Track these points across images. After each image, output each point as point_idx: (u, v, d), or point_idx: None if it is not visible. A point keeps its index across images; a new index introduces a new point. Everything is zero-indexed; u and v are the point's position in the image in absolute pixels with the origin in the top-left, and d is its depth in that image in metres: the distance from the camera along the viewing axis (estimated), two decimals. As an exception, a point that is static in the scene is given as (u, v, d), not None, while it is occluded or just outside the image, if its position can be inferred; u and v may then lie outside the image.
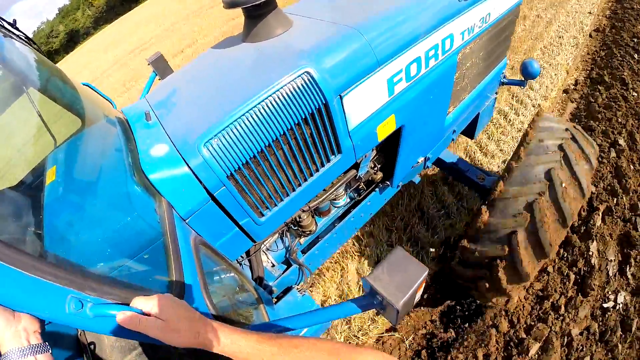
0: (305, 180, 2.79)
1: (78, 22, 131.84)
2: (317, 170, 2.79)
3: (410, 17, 2.78)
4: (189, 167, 2.18)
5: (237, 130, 2.22)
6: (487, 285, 3.81)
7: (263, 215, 2.72)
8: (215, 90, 2.54)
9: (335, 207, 3.76)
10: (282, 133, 2.38)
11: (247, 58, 2.70)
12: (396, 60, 2.73)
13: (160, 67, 3.10)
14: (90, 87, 2.82)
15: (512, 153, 5.94)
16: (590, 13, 11.02)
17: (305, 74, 2.35)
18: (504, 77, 4.80)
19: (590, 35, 9.93)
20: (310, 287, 5.23)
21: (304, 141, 2.56)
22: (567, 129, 3.81)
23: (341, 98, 2.55)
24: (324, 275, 5.30)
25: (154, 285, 1.74)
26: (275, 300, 3.46)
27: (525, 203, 3.44)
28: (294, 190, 2.78)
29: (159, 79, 3.13)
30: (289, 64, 2.39)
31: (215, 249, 2.49)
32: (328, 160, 2.79)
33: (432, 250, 5.40)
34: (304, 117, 2.42)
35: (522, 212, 3.43)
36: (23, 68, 2.21)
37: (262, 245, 3.51)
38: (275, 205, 2.75)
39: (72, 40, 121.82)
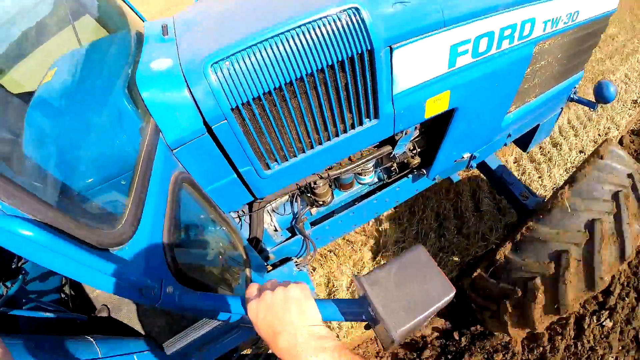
0: (329, 139, 2.43)
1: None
2: (345, 131, 2.43)
3: None
4: (189, 88, 1.90)
5: (256, 57, 1.89)
6: (492, 318, 3.56)
7: (269, 167, 2.40)
8: (249, 11, 2.26)
9: (359, 183, 3.38)
10: (309, 73, 2.02)
11: None
12: (466, 26, 2.34)
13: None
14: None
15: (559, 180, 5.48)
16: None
17: (354, 10, 1.98)
18: (575, 92, 4.36)
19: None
20: (313, 267, 4.90)
21: (336, 91, 2.19)
22: (630, 175, 3.29)
23: (391, 50, 2.17)
24: (331, 257, 4.96)
25: (105, 219, 1.45)
26: (271, 268, 3.17)
27: (554, 250, 3.07)
28: (312, 147, 2.43)
29: None
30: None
31: (205, 194, 2.24)
32: (361, 123, 2.43)
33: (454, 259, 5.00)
34: (340, 59, 2.05)
35: (547, 261, 3.07)
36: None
37: (268, 205, 3.20)
38: (287, 159, 2.41)
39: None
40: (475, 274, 3.58)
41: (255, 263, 2.74)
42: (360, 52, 2.06)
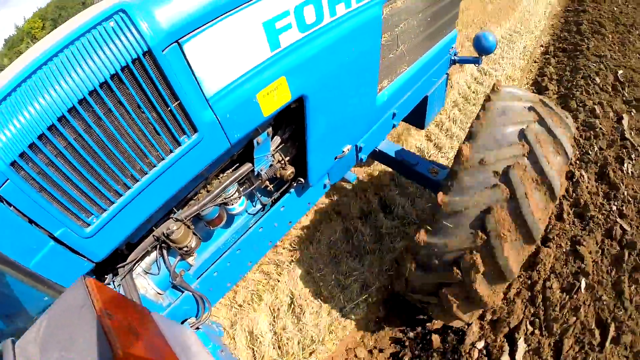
0: (144, 173, 1.95)
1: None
2: (161, 158, 1.95)
3: None
4: None
5: (19, 99, 1.57)
6: (440, 311, 3.28)
7: (88, 223, 1.91)
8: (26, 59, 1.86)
9: (230, 214, 2.88)
10: (80, 99, 1.60)
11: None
12: None
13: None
14: None
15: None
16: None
17: (120, 13, 1.59)
18: (455, 54, 4.11)
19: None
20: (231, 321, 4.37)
21: (125, 113, 1.74)
22: (531, 108, 2.96)
23: (180, 45, 1.73)
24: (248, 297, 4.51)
25: None
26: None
27: (476, 217, 2.72)
28: (127, 188, 1.94)
29: None
30: (105, 5, 1.68)
31: (31, 272, 1.79)
32: (177, 143, 1.94)
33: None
34: (112, 72, 1.61)
35: (473, 231, 2.72)
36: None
37: (137, 267, 2.70)
38: (103, 209, 1.93)
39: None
40: (406, 271, 3.18)
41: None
42: (136, 57, 1.63)
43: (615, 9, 9.59)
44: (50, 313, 1.03)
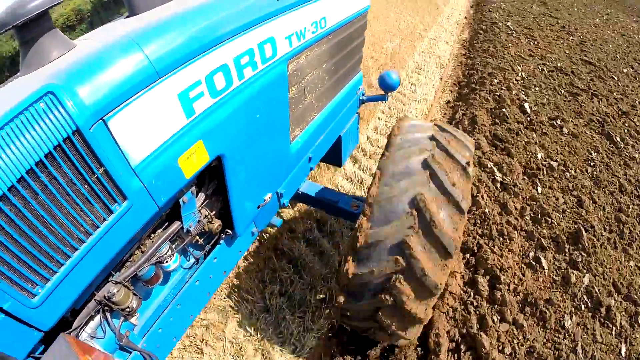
0: (82, 242, 2.07)
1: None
2: (96, 226, 2.08)
3: (204, 17, 2.25)
4: None
5: None
6: (381, 334, 3.35)
7: (34, 294, 1.98)
8: None
9: (165, 271, 2.99)
10: (18, 177, 1.71)
11: (5, 94, 2.14)
12: (186, 68, 2.14)
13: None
14: None
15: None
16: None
17: (49, 95, 1.72)
18: (363, 94, 4.37)
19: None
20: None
21: (60, 188, 1.87)
22: (431, 137, 3.21)
23: (105, 122, 1.90)
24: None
25: None
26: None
27: (394, 244, 2.87)
28: (68, 257, 2.05)
29: None
30: (34, 88, 1.76)
31: None
32: (110, 211, 2.09)
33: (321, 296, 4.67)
34: (46, 152, 1.75)
35: (393, 257, 2.86)
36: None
37: (83, 332, 2.69)
38: (47, 279, 2.01)
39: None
40: (338, 304, 3.27)
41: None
42: (66, 136, 1.78)
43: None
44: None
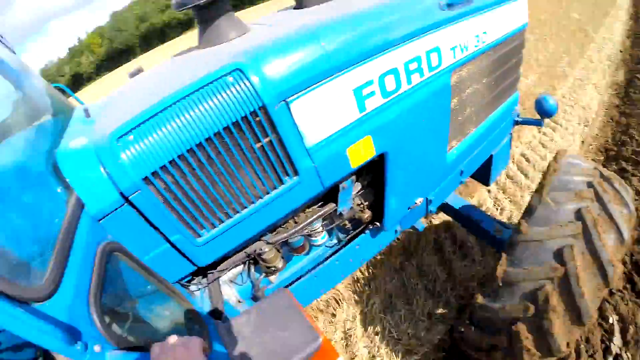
0: (252, 202, 2.39)
1: (82, 66, 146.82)
2: (267, 192, 2.40)
3: (378, 20, 2.44)
4: (101, 162, 1.97)
5: (155, 128, 1.96)
6: (503, 356, 3.06)
7: (199, 235, 2.35)
8: (149, 91, 2.35)
9: (312, 245, 3.25)
10: (206, 137, 2.05)
11: (190, 61, 2.52)
12: (361, 67, 2.36)
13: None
14: (62, 88, 2.97)
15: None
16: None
17: (237, 71, 2.04)
18: (518, 115, 4.35)
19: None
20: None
21: (241, 152, 2.19)
22: (595, 168, 3.11)
23: (287, 104, 2.18)
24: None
25: (25, 275, 1.46)
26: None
27: (529, 290, 2.75)
28: (236, 212, 2.38)
29: None
30: (222, 62, 2.08)
31: (143, 264, 2.21)
32: (281, 182, 2.39)
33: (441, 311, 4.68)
34: (234, 120, 2.07)
35: (525, 301, 2.75)
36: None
37: (224, 275, 3.08)
38: (214, 226, 2.36)
39: (77, 82, 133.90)
40: (461, 327, 3.31)
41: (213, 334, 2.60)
42: (252, 110, 2.08)
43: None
44: (261, 307, 1.35)
